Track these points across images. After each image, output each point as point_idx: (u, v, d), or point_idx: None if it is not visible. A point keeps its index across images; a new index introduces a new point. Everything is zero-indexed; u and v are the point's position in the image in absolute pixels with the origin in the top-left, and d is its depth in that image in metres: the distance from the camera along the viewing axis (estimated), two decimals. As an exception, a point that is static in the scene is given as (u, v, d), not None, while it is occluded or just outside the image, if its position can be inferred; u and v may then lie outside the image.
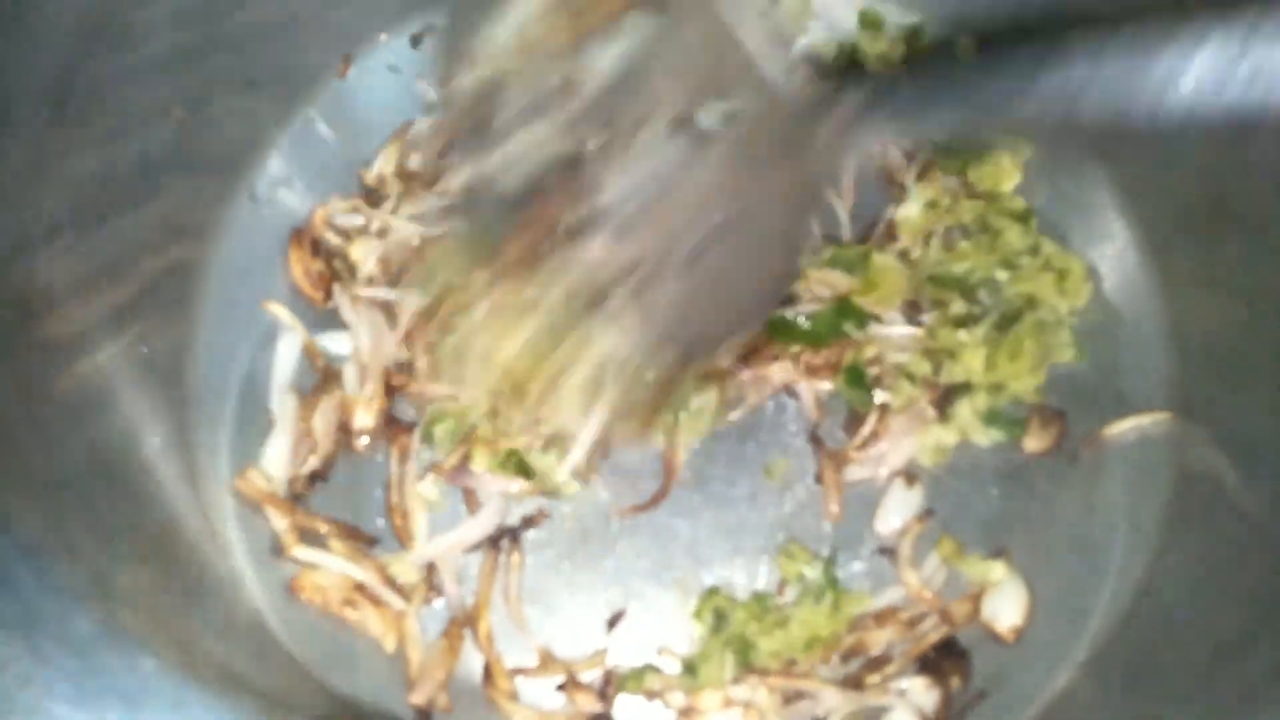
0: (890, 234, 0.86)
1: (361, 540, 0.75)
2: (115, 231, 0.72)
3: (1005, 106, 0.53)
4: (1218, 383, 0.80)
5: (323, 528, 0.74)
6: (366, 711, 0.70)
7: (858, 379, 0.81)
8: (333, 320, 0.82)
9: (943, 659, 0.75)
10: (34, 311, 0.64)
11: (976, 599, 0.78)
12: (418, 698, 0.70)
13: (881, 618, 0.76)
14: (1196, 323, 0.83)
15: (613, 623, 0.76)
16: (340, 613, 0.72)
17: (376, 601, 0.72)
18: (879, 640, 0.75)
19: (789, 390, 0.82)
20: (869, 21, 0.97)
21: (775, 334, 0.81)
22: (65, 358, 0.66)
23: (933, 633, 0.76)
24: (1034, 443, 0.82)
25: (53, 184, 0.66)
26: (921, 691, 0.73)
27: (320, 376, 0.79)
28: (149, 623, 0.49)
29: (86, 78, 0.66)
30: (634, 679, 0.74)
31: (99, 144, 0.70)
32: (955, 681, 0.75)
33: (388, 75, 0.90)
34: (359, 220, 0.84)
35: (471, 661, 0.74)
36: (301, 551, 0.72)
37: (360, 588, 0.72)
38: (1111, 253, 0.88)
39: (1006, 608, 0.77)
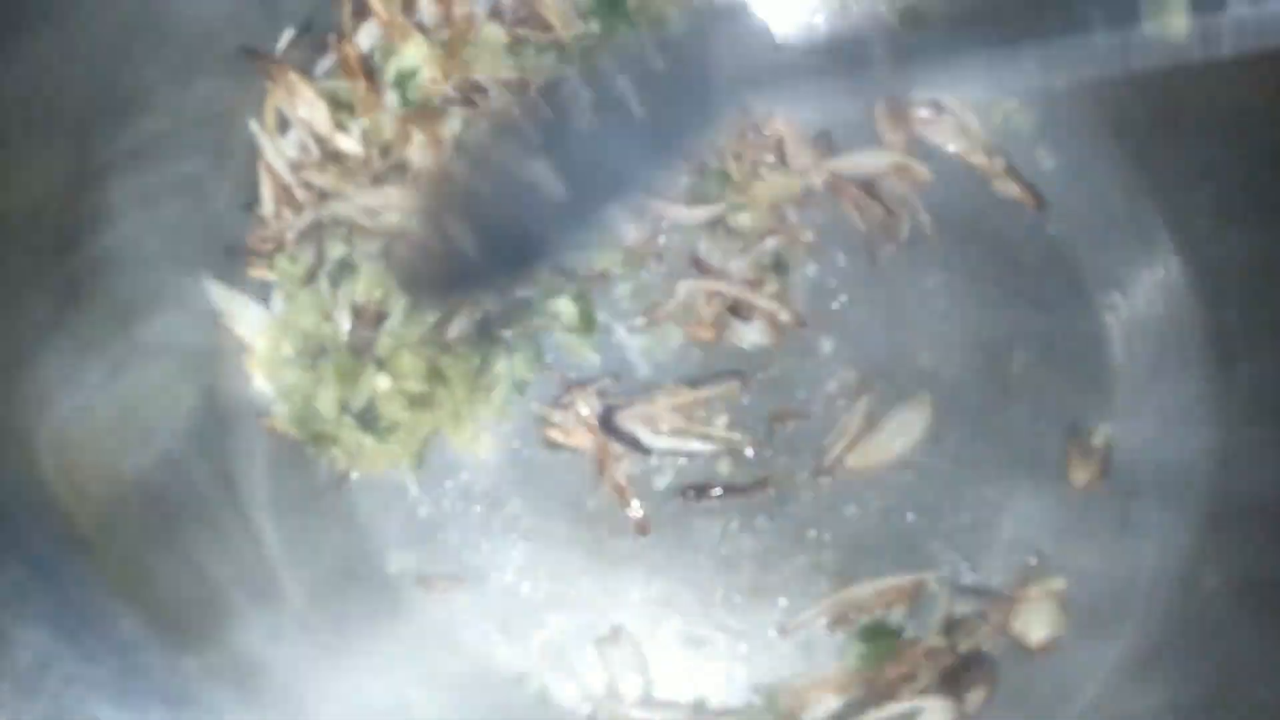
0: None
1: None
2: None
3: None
4: (1261, 394, 0.80)
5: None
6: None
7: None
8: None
9: (969, 671, 0.76)
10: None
11: (1007, 611, 0.78)
12: None
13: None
14: (1239, 332, 0.83)
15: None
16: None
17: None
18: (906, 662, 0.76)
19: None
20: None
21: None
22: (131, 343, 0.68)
23: (961, 644, 0.77)
24: (1079, 475, 0.82)
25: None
26: (938, 712, 0.74)
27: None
28: (190, 625, 0.50)
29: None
30: None
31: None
32: (980, 692, 0.75)
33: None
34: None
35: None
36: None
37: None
38: (1153, 262, 0.88)
39: (1038, 621, 0.77)
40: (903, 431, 0.82)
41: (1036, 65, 0.57)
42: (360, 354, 0.79)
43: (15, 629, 0.46)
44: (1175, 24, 0.51)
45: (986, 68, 0.60)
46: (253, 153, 0.83)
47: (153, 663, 0.47)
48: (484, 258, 0.72)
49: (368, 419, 0.78)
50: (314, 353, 0.79)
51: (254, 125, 0.83)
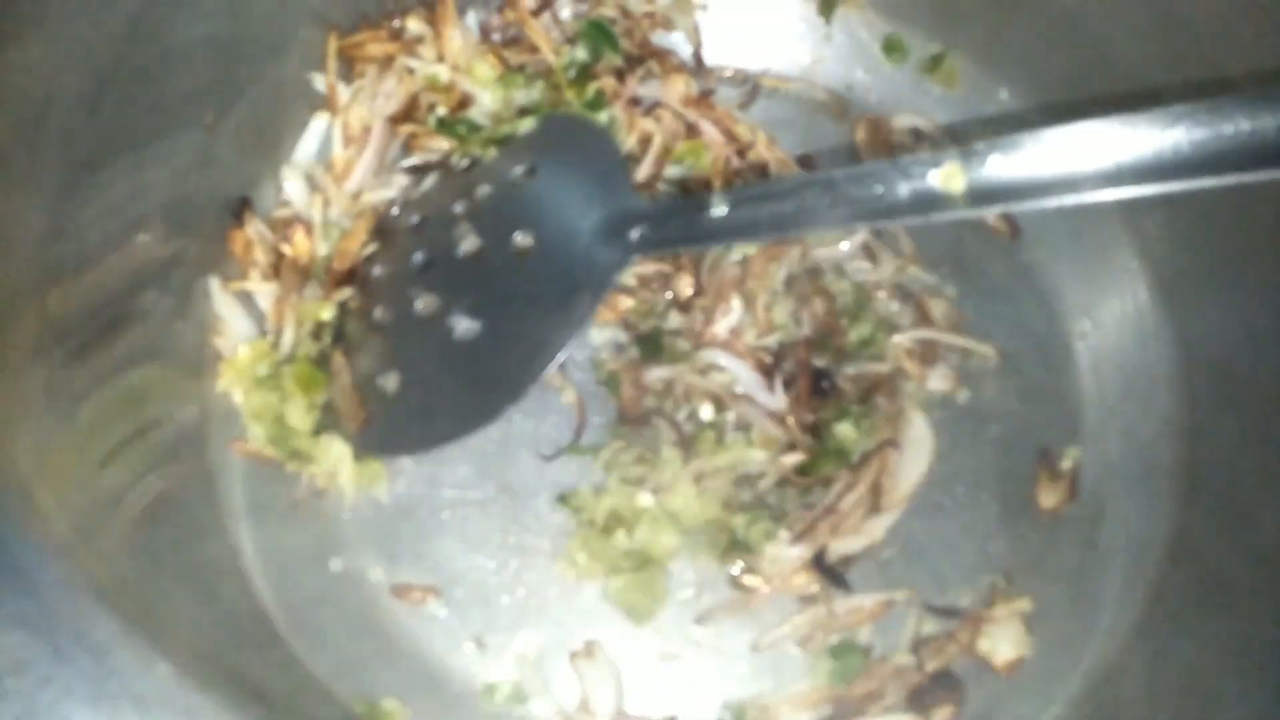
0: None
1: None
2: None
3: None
4: (1226, 419, 0.82)
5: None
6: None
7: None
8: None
9: (936, 690, 0.77)
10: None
11: (974, 630, 0.80)
12: None
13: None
14: (1205, 359, 0.85)
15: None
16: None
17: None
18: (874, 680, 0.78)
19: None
20: (893, 47, 1.00)
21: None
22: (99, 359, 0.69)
23: (929, 662, 0.78)
24: (1047, 498, 0.84)
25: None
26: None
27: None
28: (165, 627, 0.51)
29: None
30: None
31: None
32: (947, 711, 0.77)
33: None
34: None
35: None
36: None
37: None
38: (1122, 290, 0.90)
39: (1005, 641, 0.79)
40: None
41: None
42: (319, 364, 0.81)
43: (-9, 631, 0.47)
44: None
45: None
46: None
47: (127, 666, 0.48)
48: (420, 405, 0.76)
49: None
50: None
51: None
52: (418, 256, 0.81)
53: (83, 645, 0.48)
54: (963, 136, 0.96)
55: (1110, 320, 0.90)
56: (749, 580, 0.80)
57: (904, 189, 0.63)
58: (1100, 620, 0.80)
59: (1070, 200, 0.59)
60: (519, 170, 0.81)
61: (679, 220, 0.72)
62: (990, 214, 0.95)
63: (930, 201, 0.63)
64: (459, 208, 0.82)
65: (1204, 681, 0.71)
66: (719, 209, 0.70)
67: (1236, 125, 0.56)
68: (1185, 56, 0.80)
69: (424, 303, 0.79)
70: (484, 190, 0.82)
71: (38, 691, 0.46)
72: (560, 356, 0.73)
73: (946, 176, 0.62)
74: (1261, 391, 0.78)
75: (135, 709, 0.47)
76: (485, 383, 0.74)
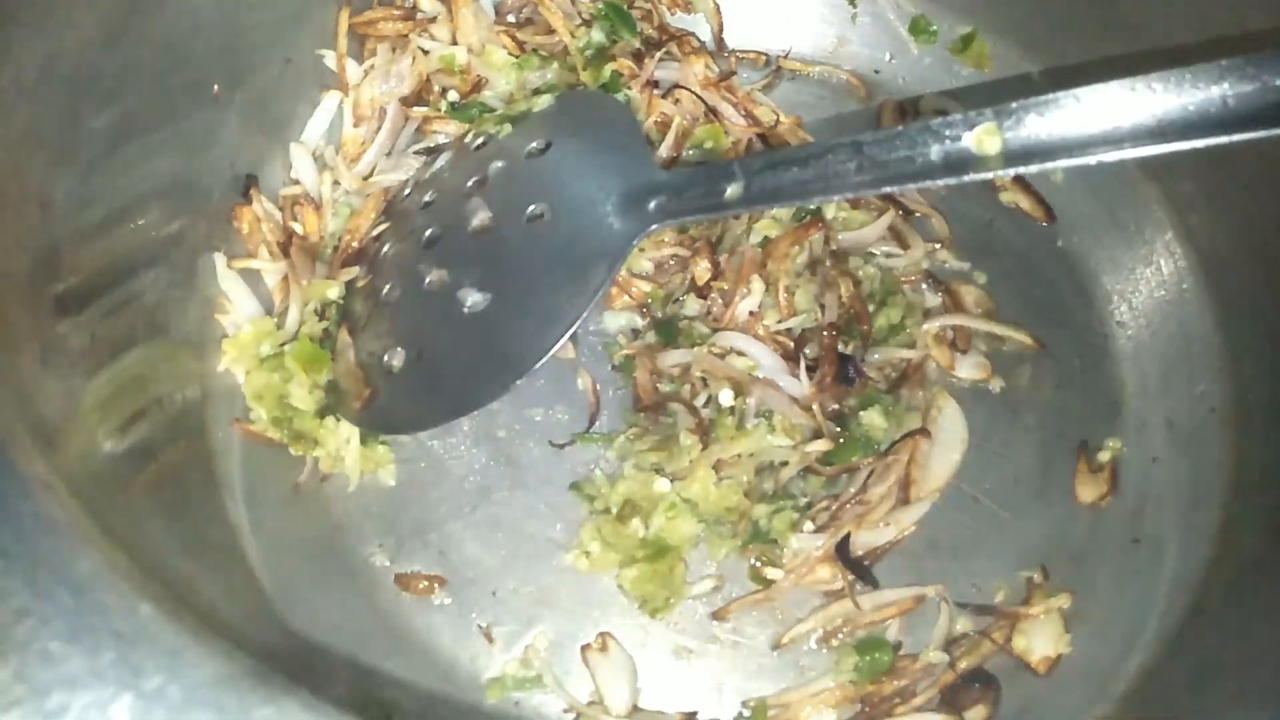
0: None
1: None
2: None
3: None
4: (1274, 407, 0.80)
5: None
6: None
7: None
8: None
9: (970, 689, 0.75)
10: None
11: (1010, 627, 0.77)
12: None
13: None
14: (1251, 345, 0.83)
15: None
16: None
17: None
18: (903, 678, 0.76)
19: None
20: (920, 28, 0.99)
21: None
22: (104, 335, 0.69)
23: (962, 660, 0.76)
24: (1086, 492, 0.83)
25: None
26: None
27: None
28: (148, 568, 0.50)
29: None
30: None
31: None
32: (981, 712, 0.75)
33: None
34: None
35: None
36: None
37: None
38: (1163, 276, 0.89)
39: (1042, 639, 0.77)
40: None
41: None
42: (320, 341, 0.81)
43: (-33, 562, 0.46)
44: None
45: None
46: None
47: (109, 602, 0.47)
48: (427, 381, 0.76)
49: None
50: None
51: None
52: (428, 233, 0.81)
53: (63, 581, 0.47)
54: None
55: (1150, 307, 0.88)
56: (770, 572, 0.79)
57: (936, 151, 0.62)
58: (1143, 618, 0.77)
59: (1111, 157, 0.58)
60: (533, 145, 0.81)
61: (699, 188, 0.71)
62: (1025, 192, 0.94)
63: (964, 163, 0.62)
64: (471, 183, 0.81)
65: (1252, 679, 0.68)
66: (740, 176, 0.69)
67: (1280, 78, 0.55)
68: (1219, 24, 0.79)
69: (433, 278, 0.78)
70: (496, 166, 0.81)
71: (15, 622, 0.45)
72: (574, 327, 0.72)
73: (981, 137, 0.61)
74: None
75: (115, 645, 0.45)
76: (495, 356, 0.73)
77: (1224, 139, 0.56)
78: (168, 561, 0.59)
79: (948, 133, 0.62)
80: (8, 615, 0.45)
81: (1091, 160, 0.58)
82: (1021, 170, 0.61)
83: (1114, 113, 0.58)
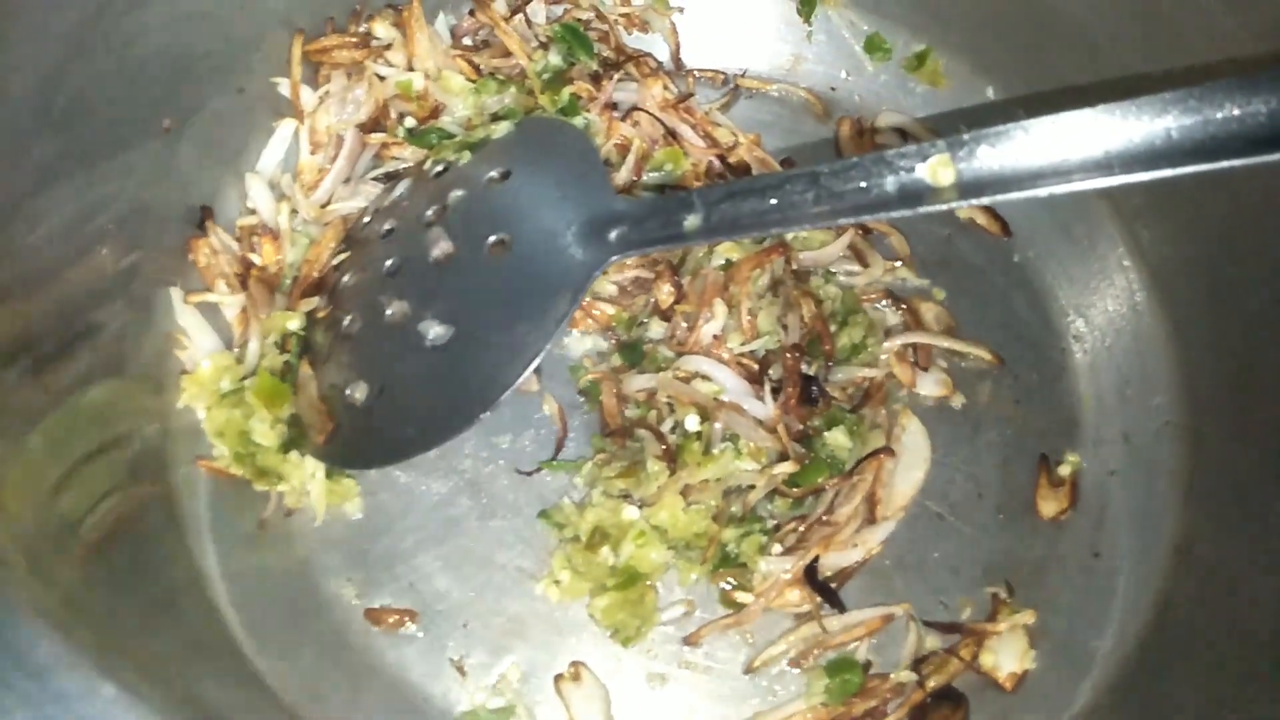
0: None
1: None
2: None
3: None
4: (1227, 418, 0.83)
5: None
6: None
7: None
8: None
9: (939, 707, 0.77)
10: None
11: (977, 645, 0.79)
12: None
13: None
14: (1203, 357, 0.86)
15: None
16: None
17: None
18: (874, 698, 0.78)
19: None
20: (875, 46, 1.01)
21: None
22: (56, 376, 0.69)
23: (931, 679, 0.78)
24: (1047, 506, 0.85)
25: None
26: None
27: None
28: (112, 645, 0.50)
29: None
30: None
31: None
32: (951, 729, 0.77)
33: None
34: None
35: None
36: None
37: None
38: (1117, 290, 0.91)
39: (1008, 656, 0.79)
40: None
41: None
42: (282, 375, 0.81)
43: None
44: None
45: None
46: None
47: (70, 689, 0.47)
48: (391, 414, 0.76)
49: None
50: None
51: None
52: (388, 263, 0.81)
53: (22, 668, 0.47)
54: (948, 134, 0.96)
55: (1105, 320, 0.91)
56: (740, 596, 0.80)
57: (891, 182, 0.64)
58: (1106, 630, 0.80)
59: (1061, 189, 0.60)
60: (493, 174, 0.81)
61: (659, 219, 0.72)
62: (981, 209, 0.96)
63: (918, 194, 0.63)
64: (431, 213, 0.82)
65: (1217, 689, 0.71)
66: (699, 208, 0.70)
67: (1225, 111, 0.57)
68: (1168, 48, 0.82)
69: (394, 309, 0.78)
70: (457, 194, 0.82)
71: None
72: (537, 360, 0.73)
73: (935, 168, 0.63)
74: (1261, 387, 0.79)
75: (78, 730, 0.46)
76: (458, 389, 0.74)
77: (1169, 172, 0.58)
78: (126, 621, 0.59)
79: (902, 164, 0.64)
80: (-29, 706, 0.45)
81: (1043, 192, 0.60)
82: (975, 202, 0.63)
83: (1063, 145, 0.60)
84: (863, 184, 0.65)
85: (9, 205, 0.67)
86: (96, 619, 0.54)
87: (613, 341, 0.89)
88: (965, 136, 0.62)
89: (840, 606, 0.80)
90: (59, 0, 0.68)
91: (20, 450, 0.65)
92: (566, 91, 0.91)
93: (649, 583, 0.79)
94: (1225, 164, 0.57)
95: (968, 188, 0.62)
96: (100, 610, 0.57)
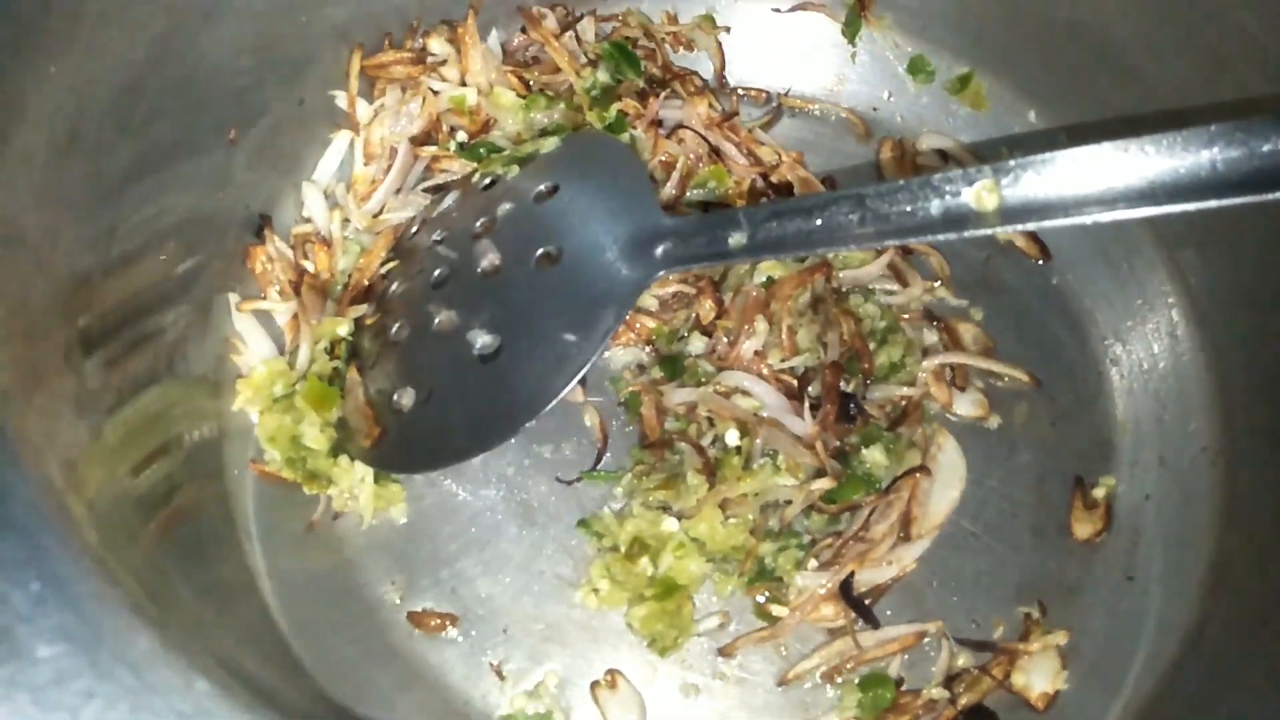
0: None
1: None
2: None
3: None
4: (1265, 444, 0.83)
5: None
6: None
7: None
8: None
9: (971, 723, 0.78)
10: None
11: (1009, 664, 0.80)
12: None
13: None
14: (1242, 383, 0.87)
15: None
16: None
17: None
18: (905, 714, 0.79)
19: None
20: (918, 67, 1.03)
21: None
22: (124, 374, 0.72)
23: (963, 697, 0.79)
24: (1081, 528, 0.86)
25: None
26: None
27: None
28: (198, 644, 0.53)
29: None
30: None
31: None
32: (983, 747, 0.78)
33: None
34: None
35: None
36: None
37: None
38: (1155, 314, 0.92)
39: (1040, 675, 0.80)
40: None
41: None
42: (331, 380, 0.83)
43: (34, 643, 0.48)
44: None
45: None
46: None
47: (167, 682, 0.49)
48: (436, 421, 0.78)
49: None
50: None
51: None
52: (437, 273, 0.84)
53: (123, 660, 0.49)
54: (989, 158, 0.98)
55: (1143, 345, 0.92)
56: (776, 609, 0.82)
57: (936, 206, 0.65)
58: (1138, 654, 0.81)
59: (1105, 218, 0.61)
60: (541, 188, 0.84)
61: (705, 236, 0.74)
62: (1021, 232, 0.97)
63: (963, 219, 0.65)
64: (479, 225, 0.84)
65: (1250, 715, 0.71)
66: (745, 226, 0.72)
67: (1271, 144, 0.58)
68: (1213, 78, 0.83)
69: (443, 318, 0.81)
70: (505, 208, 0.84)
71: (82, 705, 0.47)
72: (583, 371, 0.75)
73: (980, 193, 0.64)
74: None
75: (178, 723, 0.48)
76: (504, 398, 0.76)
77: (1212, 203, 0.59)
78: (186, 608, 0.61)
79: (948, 188, 0.65)
80: (76, 698, 0.47)
81: (1087, 220, 0.61)
82: (1019, 228, 0.65)
83: (1107, 173, 0.61)
84: (908, 207, 0.66)
85: (95, 205, 0.70)
86: (177, 612, 0.56)
87: (653, 354, 0.91)
88: (1011, 163, 0.63)
89: (874, 622, 0.81)
90: (142, 16, 0.71)
91: (97, 440, 0.67)
92: (614, 108, 0.94)
93: (686, 595, 0.81)
94: (1270, 196, 0.58)
95: (1012, 213, 0.64)
96: (176, 604, 0.60)
